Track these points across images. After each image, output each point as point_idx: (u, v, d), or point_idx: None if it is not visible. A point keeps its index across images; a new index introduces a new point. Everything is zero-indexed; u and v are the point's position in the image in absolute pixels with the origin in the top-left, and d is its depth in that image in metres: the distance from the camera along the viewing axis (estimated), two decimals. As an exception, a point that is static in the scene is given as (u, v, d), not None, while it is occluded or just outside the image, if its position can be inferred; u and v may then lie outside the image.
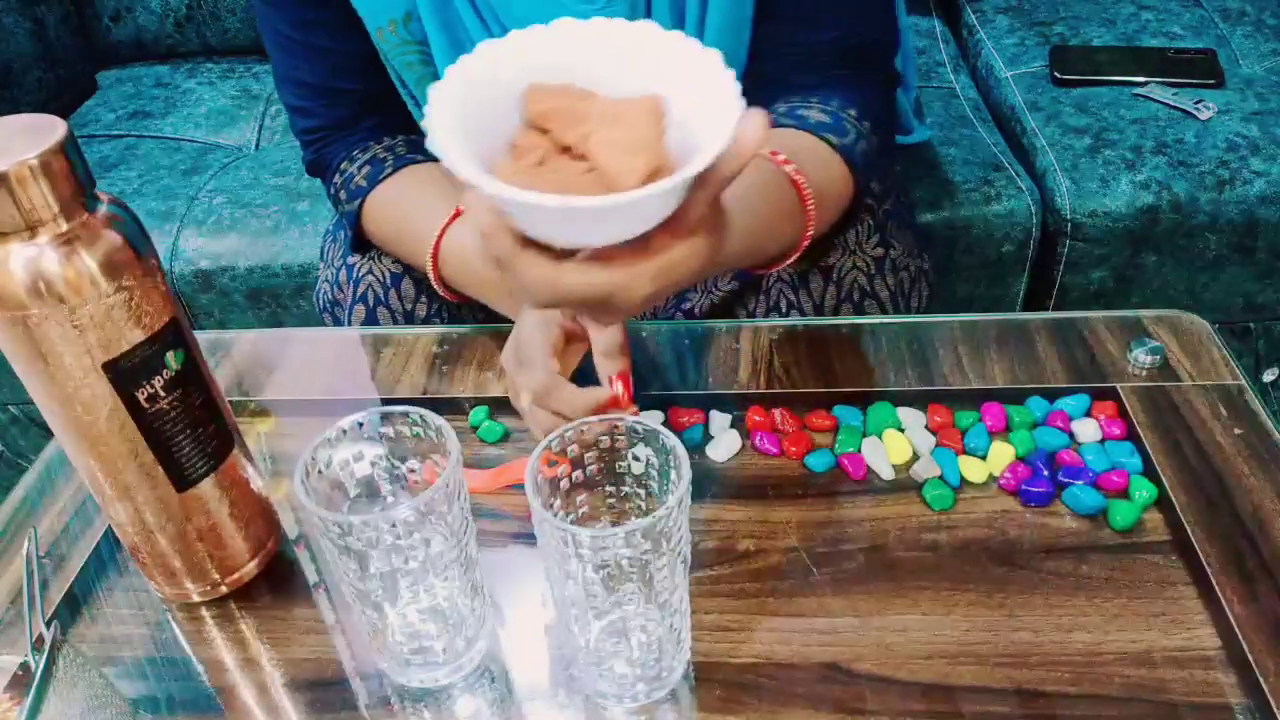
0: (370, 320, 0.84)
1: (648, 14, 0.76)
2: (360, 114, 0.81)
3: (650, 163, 0.41)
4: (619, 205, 0.40)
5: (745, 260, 0.59)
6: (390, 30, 0.75)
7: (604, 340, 0.60)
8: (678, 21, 0.76)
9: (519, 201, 0.40)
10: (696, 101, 0.44)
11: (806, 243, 0.66)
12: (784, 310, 0.82)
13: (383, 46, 0.76)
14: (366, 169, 0.78)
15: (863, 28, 0.74)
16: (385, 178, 0.77)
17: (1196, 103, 1.36)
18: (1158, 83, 1.41)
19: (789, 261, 0.68)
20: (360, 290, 0.84)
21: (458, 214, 0.72)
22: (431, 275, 0.73)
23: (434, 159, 0.82)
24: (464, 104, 0.44)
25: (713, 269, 0.51)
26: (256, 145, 1.58)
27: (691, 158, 0.42)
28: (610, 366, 0.59)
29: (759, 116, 0.42)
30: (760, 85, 0.76)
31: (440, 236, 0.71)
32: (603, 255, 0.45)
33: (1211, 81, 1.40)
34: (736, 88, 0.43)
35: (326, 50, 0.78)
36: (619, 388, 0.59)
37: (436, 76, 0.77)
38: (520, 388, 0.61)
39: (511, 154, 0.45)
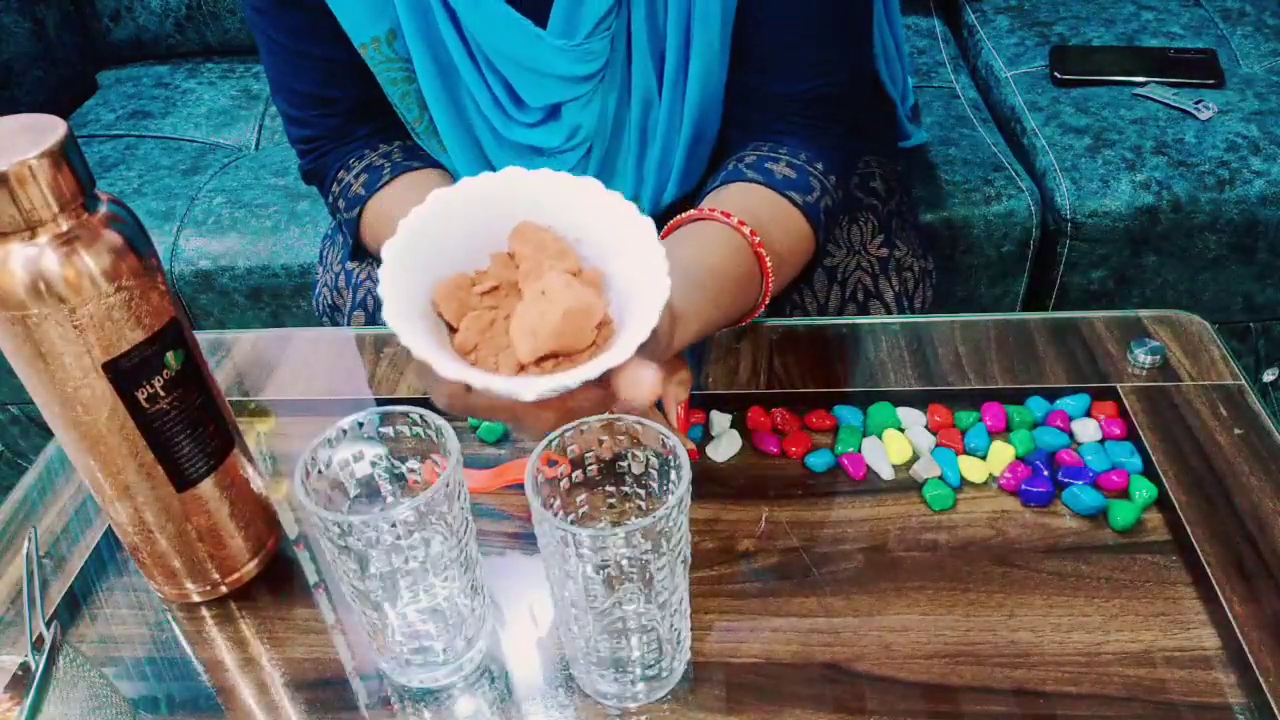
0: (371, 325, 0.84)
1: (628, 61, 0.75)
2: (353, 123, 0.81)
3: (537, 350, 0.46)
4: (490, 386, 0.45)
5: (698, 339, 0.60)
6: (374, 47, 0.75)
7: (676, 371, 0.60)
8: (658, 65, 0.75)
9: (420, 358, 0.45)
10: (630, 273, 0.49)
11: (761, 309, 0.68)
12: (787, 310, 0.82)
13: (369, 62, 0.76)
14: (364, 177, 0.78)
15: (833, 80, 0.74)
16: (383, 185, 0.77)
17: (1196, 103, 1.36)
18: (1158, 83, 1.41)
19: (742, 323, 0.69)
20: (360, 295, 0.84)
21: None
22: None
23: (433, 164, 0.82)
24: (428, 227, 0.50)
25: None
26: (256, 145, 1.58)
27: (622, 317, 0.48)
28: (680, 394, 0.60)
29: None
30: (731, 126, 0.78)
31: None
32: None
33: (1211, 81, 1.40)
34: (664, 267, 0.47)
35: (317, 58, 0.78)
36: (681, 413, 0.62)
37: (420, 94, 0.77)
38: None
39: (480, 271, 0.50)
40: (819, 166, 0.72)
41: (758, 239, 0.64)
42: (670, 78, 0.76)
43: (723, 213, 0.64)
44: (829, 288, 0.80)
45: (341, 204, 0.80)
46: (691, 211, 0.66)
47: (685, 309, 0.55)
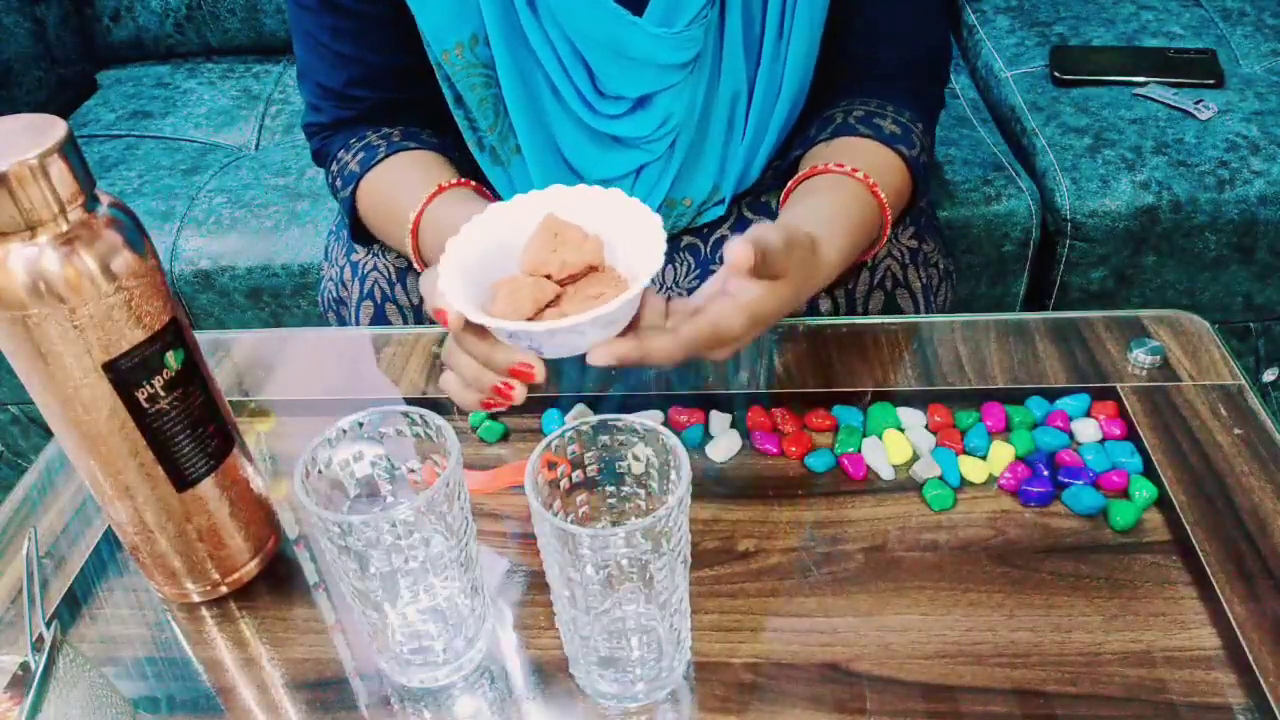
0: (379, 316, 0.84)
1: (719, 51, 0.77)
2: (366, 118, 0.81)
3: (524, 261, 0.55)
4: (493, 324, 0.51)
5: (840, 269, 0.66)
6: (457, 53, 0.75)
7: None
8: (750, 56, 0.78)
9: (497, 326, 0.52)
10: (633, 248, 0.55)
11: (882, 245, 0.75)
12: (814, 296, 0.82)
13: (448, 69, 0.76)
14: (360, 155, 0.79)
15: (925, 42, 0.80)
16: (377, 163, 0.78)
17: (1196, 103, 1.36)
18: (1158, 83, 1.41)
19: (867, 257, 0.77)
20: (367, 286, 0.84)
21: (437, 193, 0.71)
22: (412, 256, 0.74)
23: (428, 145, 0.83)
24: (475, 246, 0.56)
25: (804, 299, 0.61)
26: (256, 145, 1.58)
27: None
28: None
29: (745, 247, 0.52)
30: (833, 93, 0.81)
31: (419, 215, 0.72)
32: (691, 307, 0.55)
33: (1211, 81, 1.40)
34: (662, 244, 0.53)
35: (351, 59, 0.78)
36: None
37: (500, 98, 0.78)
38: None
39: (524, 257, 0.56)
40: (920, 125, 0.77)
41: (872, 181, 0.70)
42: (766, 68, 0.78)
43: (837, 164, 0.70)
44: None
45: (339, 183, 0.81)
46: (812, 168, 0.72)
47: (822, 238, 0.62)
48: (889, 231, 0.73)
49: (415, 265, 0.75)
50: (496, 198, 0.83)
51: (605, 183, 0.82)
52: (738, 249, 0.52)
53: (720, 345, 0.55)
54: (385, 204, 0.77)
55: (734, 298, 0.55)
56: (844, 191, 0.69)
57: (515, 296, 0.53)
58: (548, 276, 0.54)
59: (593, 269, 0.55)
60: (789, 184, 0.73)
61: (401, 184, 0.76)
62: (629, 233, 0.55)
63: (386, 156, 0.78)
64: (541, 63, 0.76)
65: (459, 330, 0.54)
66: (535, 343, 0.53)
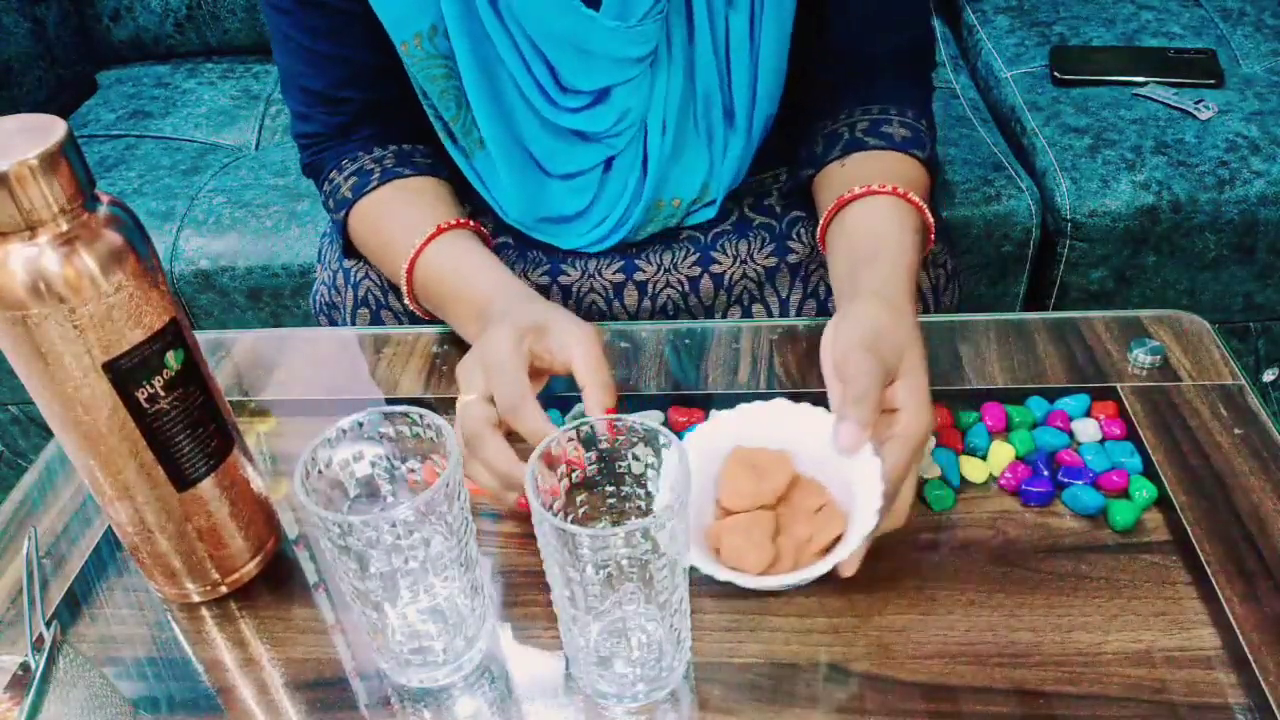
0: (376, 322, 0.84)
1: (690, 38, 0.76)
2: (358, 124, 0.81)
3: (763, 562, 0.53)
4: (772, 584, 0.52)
5: (917, 300, 0.69)
6: (416, 44, 0.75)
7: (596, 379, 0.58)
8: (720, 59, 0.77)
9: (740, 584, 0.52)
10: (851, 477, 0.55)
11: (930, 248, 0.75)
12: (821, 296, 0.82)
13: (407, 60, 0.76)
14: (353, 180, 0.79)
15: (920, 32, 0.80)
16: (370, 190, 0.77)
17: (1196, 103, 1.36)
18: (1158, 83, 1.41)
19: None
20: (361, 294, 0.84)
21: (436, 234, 0.72)
22: (405, 292, 0.74)
23: (422, 171, 0.83)
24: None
25: (919, 342, 0.60)
26: (256, 145, 1.58)
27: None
28: (607, 400, 0.57)
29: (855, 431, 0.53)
30: (827, 95, 0.80)
31: (415, 256, 0.72)
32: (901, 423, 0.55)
33: (1211, 81, 1.40)
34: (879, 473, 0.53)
35: (334, 59, 0.78)
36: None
37: (461, 90, 0.77)
38: (493, 390, 0.58)
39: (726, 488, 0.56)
40: (924, 122, 0.78)
41: (903, 191, 0.70)
42: (742, 67, 0.77)
43: (863, 187, 0.70)
44: None
45: (331, 204, 0.81)
46: (839, 199, 0.71)
47: (884, 289, 0.62)
48: (934, 231, 0.73)
49: (409, 304, 0.75)
50: (481, 211, 0.82)
51: (570, 177, 0.82)
52: (847, 433, 0.53)
53: (921, 451, 0.56)
54: (379, 238, 0.78)
55: (904, 411, 0.55)
56: (882, 214, 0.69)
57: (751, 541, 0.53)
58: (762, 507, 0.55)
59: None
60: (821, 221, 0.73)
61: (395, 218, 0.76)
62: (803, 435, 0.56)
63: (380, 185, 0.78)
64: (502, 56, 0.76)
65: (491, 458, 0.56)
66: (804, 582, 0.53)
